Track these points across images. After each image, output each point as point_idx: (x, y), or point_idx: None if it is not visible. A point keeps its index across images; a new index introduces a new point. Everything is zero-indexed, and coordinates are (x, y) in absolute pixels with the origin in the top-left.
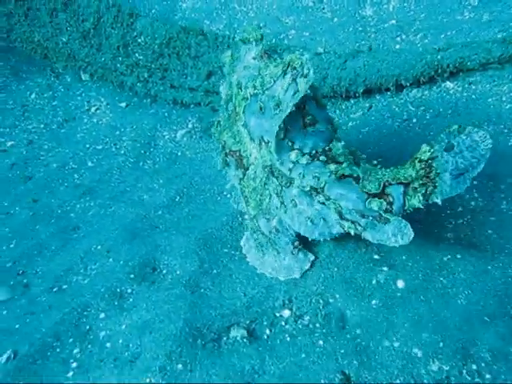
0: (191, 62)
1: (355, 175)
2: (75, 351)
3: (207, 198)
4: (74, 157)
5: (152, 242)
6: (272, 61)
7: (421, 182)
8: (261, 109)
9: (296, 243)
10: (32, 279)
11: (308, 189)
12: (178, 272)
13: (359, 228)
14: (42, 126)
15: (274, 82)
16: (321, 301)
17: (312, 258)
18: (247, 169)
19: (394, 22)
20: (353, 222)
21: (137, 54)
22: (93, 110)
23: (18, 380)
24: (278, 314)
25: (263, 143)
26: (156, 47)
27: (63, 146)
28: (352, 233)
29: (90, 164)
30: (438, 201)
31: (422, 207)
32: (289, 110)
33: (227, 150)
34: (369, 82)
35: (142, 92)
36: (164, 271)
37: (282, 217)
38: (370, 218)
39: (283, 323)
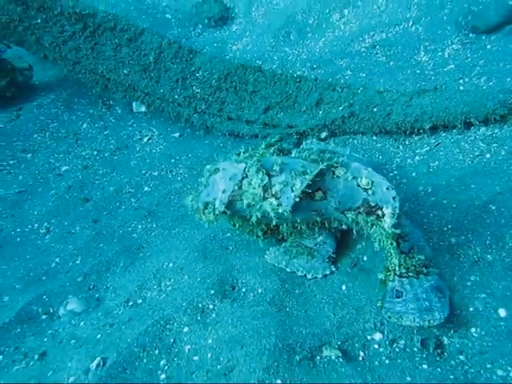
0: (248, 97)
1: None
2: (162, 363)
3: None
4: (130, 181)
5: (226, 261)
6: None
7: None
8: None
9: (332, 255)
10: (104, 294)
11: None
12: (259, 290)
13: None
14: (96, 152)
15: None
16: None
17: (334, 269)
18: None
19: (452, 66)
20: None
21: (194, 87)
22: (145, 139)
23: None
24: (369, 337)
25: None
26: (214, 82)
27: (118, 172)
28: None
29: (146, 189)
30: None
31: None
32: None
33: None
34: (435, 119)
35: (198, 123)
36: (243, 289)
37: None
38: None
39: (376, 346)
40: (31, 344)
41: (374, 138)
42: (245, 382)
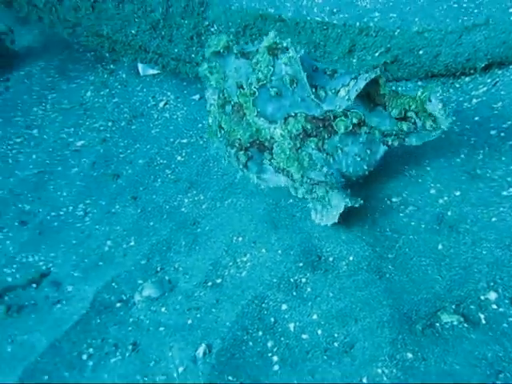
0: None
1: (382, 103)
2: (269, 344)
3: None
4: (159, 152)
5: (300, 230)
6: (254, 53)
7: (424, 113)
8: (277, 93)
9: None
10: (175, 275)
11: (351, 128)
12: (350, 258)
13: (401, 136)
14: (110, 123)
15: (273, 68)
16: None
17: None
18: (272, 148)
19: None
20: (395, 135)
21: None
22: (161, 104)
23: (224, 374)
24: (483, 297)
25: (290, 118)
26: (231, 36)
27: (141, 143)
28: (396, 144)
29: (179, 158)
30: (446, 128)
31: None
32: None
33: (246, 145)
34: (491, 56)
35: None
36: (330, 258)
37: (331, 164)
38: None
39: (494, 306)
40: (117, 334)
41: (420, 83)
42: (373, 358)
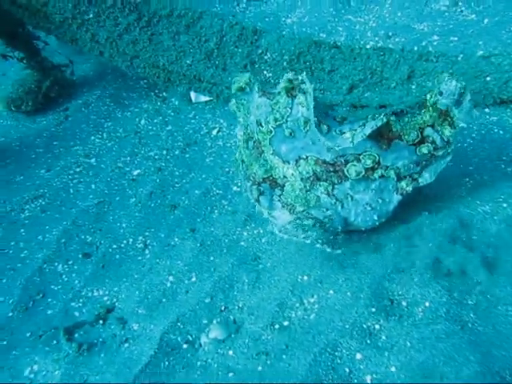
0: (327, 77)
1: (397, 136)
2: None
3: None
4: (215, 182)
5: (368, 270)
6: (275, 94)
7: (440, 120)
8: (291, 134)
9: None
10: (240, 315)
11: (363, 173)
12: (426, 304)
13: (415, 176)
14: (165, 152)
15: (291, 109)
16: None
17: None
18: (283, 185)
19: None
20: (410, 176)
21: (265, 72)
22: (214, 132)
23: None
24: None
25: (301, 160)
26: (285, 63)
27: (196, 172)
28: (410, 189)
29: (235, 189)
30: (464, 124)
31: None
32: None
33: (260, 180)
34: None
35: None
36: (403, 303)
37: (338, 211)
38: (424, 162)
39: None
40: (185, 378)
41: (487, 110)
42: None
